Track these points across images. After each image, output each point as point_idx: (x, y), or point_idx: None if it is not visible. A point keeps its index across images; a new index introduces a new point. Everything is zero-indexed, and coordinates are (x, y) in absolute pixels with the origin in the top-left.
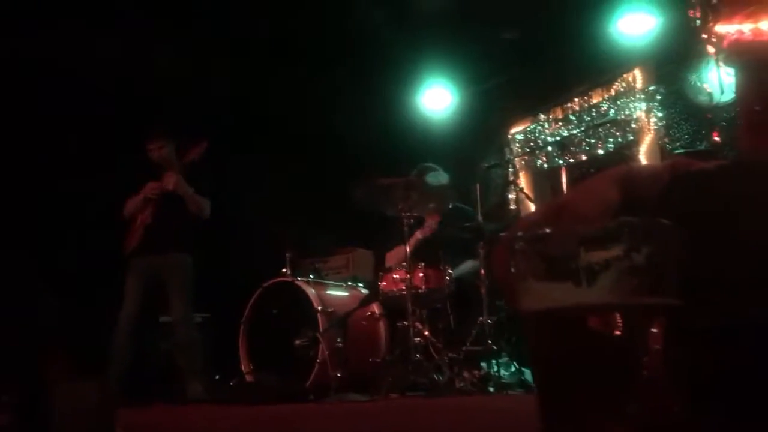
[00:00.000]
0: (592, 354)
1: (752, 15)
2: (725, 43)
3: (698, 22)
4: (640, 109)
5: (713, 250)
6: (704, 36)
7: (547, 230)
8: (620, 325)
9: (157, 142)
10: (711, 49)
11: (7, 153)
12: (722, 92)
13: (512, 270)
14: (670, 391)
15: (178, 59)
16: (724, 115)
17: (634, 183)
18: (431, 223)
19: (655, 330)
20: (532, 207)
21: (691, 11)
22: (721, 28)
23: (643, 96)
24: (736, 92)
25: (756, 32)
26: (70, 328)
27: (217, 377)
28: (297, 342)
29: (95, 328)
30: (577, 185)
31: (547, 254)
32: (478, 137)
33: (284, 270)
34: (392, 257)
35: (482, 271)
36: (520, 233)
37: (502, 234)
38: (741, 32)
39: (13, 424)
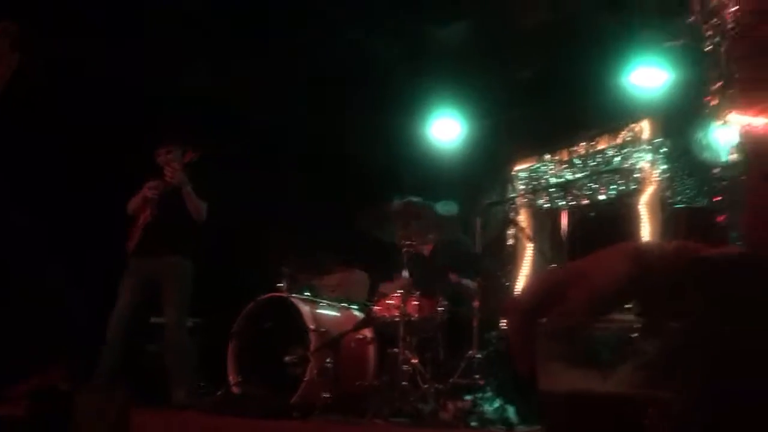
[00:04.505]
0: None
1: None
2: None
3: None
4: (645, 160)
5: (719, 347)
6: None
7: (575, 322)
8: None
9: (166, 147)
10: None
11: (20, 154)
12: (727, 152)
13: (534, 349)
14: None
15: (192, 74)
16: (728, 174)
17: (645, 264)
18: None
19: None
20: (531, 246)
21: (708, 98)
22: (735, 117)
23: (649, 147)
24: (746, 183)
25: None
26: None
27: (202, 384)
28: (287, 358)
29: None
30: (588, 256)
31: (572, 339)
32: (483, 171)
33: (280, 284)
34: (387, 287)
35: (476, 303)
36: (545, 320)
37: (518, 305)
38: (752, 125)
39: (30, 414)
